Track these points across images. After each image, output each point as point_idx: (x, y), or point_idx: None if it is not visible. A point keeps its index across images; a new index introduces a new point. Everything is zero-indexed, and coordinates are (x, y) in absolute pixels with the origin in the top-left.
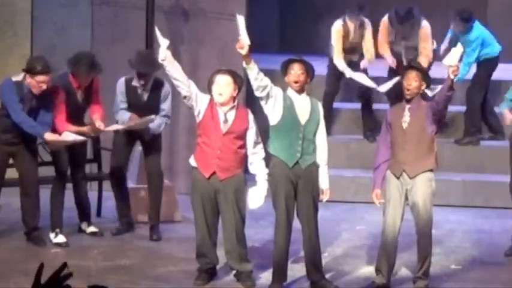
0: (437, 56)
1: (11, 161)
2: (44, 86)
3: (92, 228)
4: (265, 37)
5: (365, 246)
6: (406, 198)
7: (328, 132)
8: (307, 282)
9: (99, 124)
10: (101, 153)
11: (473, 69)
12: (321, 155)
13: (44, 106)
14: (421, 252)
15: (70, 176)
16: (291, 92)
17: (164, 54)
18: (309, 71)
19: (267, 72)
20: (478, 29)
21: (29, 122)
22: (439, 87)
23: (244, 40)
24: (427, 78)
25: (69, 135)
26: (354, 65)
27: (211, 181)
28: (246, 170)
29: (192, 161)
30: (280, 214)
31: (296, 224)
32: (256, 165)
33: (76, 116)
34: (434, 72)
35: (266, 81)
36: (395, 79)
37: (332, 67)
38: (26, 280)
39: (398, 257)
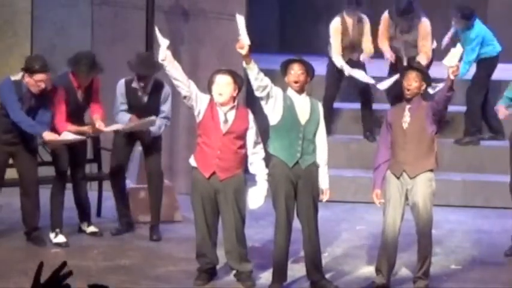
0: (437, 56)
1: (10, 161)
2: (43, 85)
3: (92, 228)
4: (265, 37)
5: (365, 246)
6: (406, 198)
7: (328, 132)
8: (307, 282)
9: (99, 124)
10: (101, 153)
11: (473, 69)
12: (321, 155)
13: (42, 105)
14: (421, 252)
15: (70, 176)
16: (291, 92)
17: (164, 54)
18: (309, 71)
19: (267, 72)
20: (479, 27)
21: (27, 121)
22: (441, 85)
23: (244, 40)
24: (427, 79)
25: (68, 134)
26: (353, 64)
27: (211, 181)
28: (246, 170)
29: (192, 161)
30: (280, 214)
31: (296, 224)
32: (256, 165)
33: (76, 116)
34: (434, 72)
35: (266, 81)
36: (395, 77)
37: (331, 67)
38: (26, 280)
39: (399, 257)
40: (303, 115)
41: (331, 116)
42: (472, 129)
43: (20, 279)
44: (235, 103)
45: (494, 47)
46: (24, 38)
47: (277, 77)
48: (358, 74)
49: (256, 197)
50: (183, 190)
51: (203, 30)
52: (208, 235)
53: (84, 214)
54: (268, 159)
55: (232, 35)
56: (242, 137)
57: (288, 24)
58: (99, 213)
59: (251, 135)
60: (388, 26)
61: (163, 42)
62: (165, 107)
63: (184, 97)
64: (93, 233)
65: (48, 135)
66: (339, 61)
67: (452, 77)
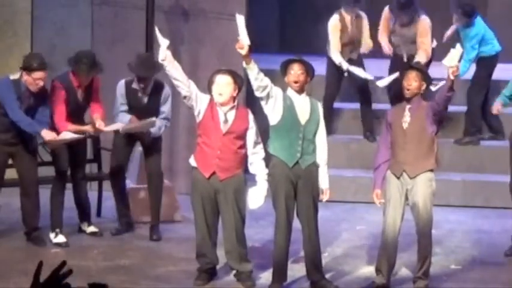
0: (437, 56)
1: (10, 161)
2: (41, 83)
3: (92, 228)
4: (265, 37)
5: (365, 246)
6: (406, 198)
7: (328, 132)
8: (307, 282)
9: (99, 124)
10: (101, 153)
11: (474, 69)
12: (321, 155)
13: (41, 104)
14: (421, 252)
15: (70, 176)
16: (291, 92)
17: (164, 54)
18: (309, 71)
19: (267, 72)
20: (479, 26)
21: (26, 120)
22: (442, 82)
23: (244, 40)
24: (427, 79)
25: (67, 134)
26: (353, 64)
27: (211, 181)
28: (246, 170)
29: (192, 161)
30: (280, 214)
31: (296, 224)
32: (256, 165)
33: (76, 115)
34: (434, 72)
35: (266, 81)
36: (395, 75)
37: (331, 66)
38: (26, 280)
39: (399, 257)
40: (303, 115)
41: (331, 116)
42: (472, 129)
43: (20, 279)
44: (235, 103)
45: (493, 46)
46: (24, 38)
47: (277, 77)
48: (357, 70)
49: (256, 197)
50: (183, 190)
51: (203, 30)
52: (208, 235)
53: (84, 214)
54: (268, 159)
55: (232, 35)
56: (242, 137)
57: (288, 24)
58: (99, 213)
59: (251, 135)
60: (388, 20)
61: (163, 42)
62: (165, 108)
63: (184, 97)
64: (93, 233)
65: (46, 134)
66: (338, 58)
67: (452, 77)
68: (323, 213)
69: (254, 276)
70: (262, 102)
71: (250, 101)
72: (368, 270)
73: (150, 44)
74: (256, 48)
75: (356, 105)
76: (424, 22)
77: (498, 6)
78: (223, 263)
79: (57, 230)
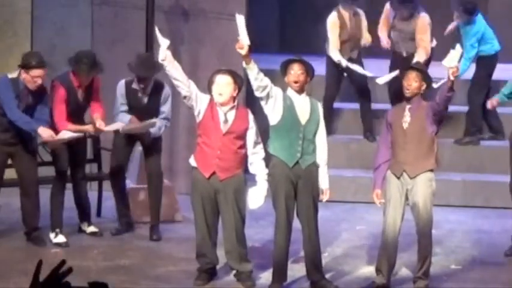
0: (437, 55)
1: (9, 161)
2: (39, 81)
3: (92, 228)
4: (265, 37)
5: (365, 246)
6: (407, 198)
7: (328, 132)
8: (307, 282)
9: (99, 123)
10: (101, 153)
11: (473, 69)
12: (321, 155)
13: (40, 102)
14: (421, 252)
15: (70, 176)
16: (291, 92)
17: (164, 54)
18: (309, 71)
19: (267, 72)
20: (480, 24)
21: (23, 118)
22: (444, 79)
23: (243, 40)
24: (427, 79)
25: (67, 133)
26: (353, 63)
27: (211, 181)
28: (246, 170)
29: (192, 161)
30: (280, 214)
31: (296, 224)
32: (256, 165)
33: (76, 115)
34: (434, 73)
35: (266, 81)
36: (395, 72)
37: (331, 66)
38: (26, 280)
39: (399, 257)
40: (303, 115)
41: (331, 116)
42: (472, 129)
43: (20, 279)
44: (235, 103)
45: (492, 46)
46: (24, 38)
47: (277, 77)
48: (356, 67)
49: (256, 197)
50: (183, 190)
51: (203, 30)
52: (208, 235)
53: (84, 214)
54: (268, 159)
55: (232, 35)
56: (242, 137)
57: (288, 24)
58: (99, 213)
59: (251, 135)
60: (389, 16)
61: (163, 42)
62: (165, 108)
63: (184, 97)
64: (93, 233)
65: (43, 131)
66: (336, 55)
67: (452, 78)
68: (323, 213)
69: (254, 276)
70: (262, 102)
71: (250, 101)
72: (368, 270)
73: (150, 44)
74: (256, 48)
75: (356, 105)
76: (423, 19)
77: (498, 6)
78: (223, 263)
79: (57, 230)
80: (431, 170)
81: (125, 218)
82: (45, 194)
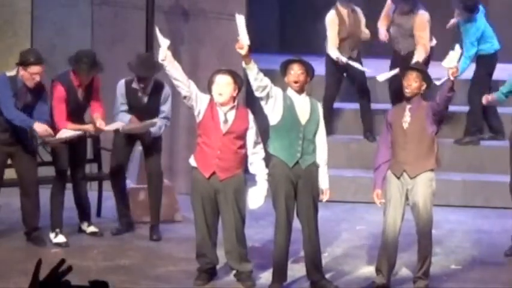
0: (436, 55)
1: (9, 161)
2: (37, 78)
3: (92, 228)
4: (265, 37)
5: (365, 246)
6: (407, 198)
7: (328, 132)
8: (307, 282)
9: (99, 123)
10: (101, 153)
11: (473, 69)
12: (321, 155)
13: (38, 100)
14: (421, 252)
15: (70, 176)
16: (291, 92)
17: (164, 54)
18: (309, 71)
19: (267, 72)
20: (480, 22)
21: (20, 116)
22: (445, 78)
23: (243, 40)
24: (427, 79)
25: (66, 132)
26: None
27: (211, 181)
28: (246, 170)
29: (192, 161)
30: (280, 214)
31: (296, 224)
32: (256, 165)
33: (76, 115)
34: (434, 73)
35: (266, 81)
36: (395, 70)
37: (330, 65)
38: (26, 280)
39: (399, 257)
40: (303, 115)
41: (331, 116)
42: (472, 129)
43: (20, 279)
44: (235, 103)
45: (492, 45)
46: (24, 38)
47: (277, 77)
48: (355, 64)
49: (256, 197)
50: (183, 190)
51: (203, 30)
52: (208, 235)
53: (84, 214)
54: (268, 159)
55: (232, 35)
56: (242, 137)
57: (288, 24)
58: (99, 213)
59: (251, 135)
60: (389, 11)
61: (163, 42)
62: (165, 108)
63: (184, 97)
64: (93, 233)
65: (38, 126)
66: (335, 53)
67: (452, 78)
68: (323, 213)
69: (254, 276)
70: (262, 102)
71: (250, 101)
72: (368, 270)
73: (150, 44)
74: (256, 48)
75: (356, 105)
76: (422, 16)
77: (498, 6)
78: (223, 263)
79: (57, 230)
80: (432, 170)
81: (125, 218)
82: (45, 194)
